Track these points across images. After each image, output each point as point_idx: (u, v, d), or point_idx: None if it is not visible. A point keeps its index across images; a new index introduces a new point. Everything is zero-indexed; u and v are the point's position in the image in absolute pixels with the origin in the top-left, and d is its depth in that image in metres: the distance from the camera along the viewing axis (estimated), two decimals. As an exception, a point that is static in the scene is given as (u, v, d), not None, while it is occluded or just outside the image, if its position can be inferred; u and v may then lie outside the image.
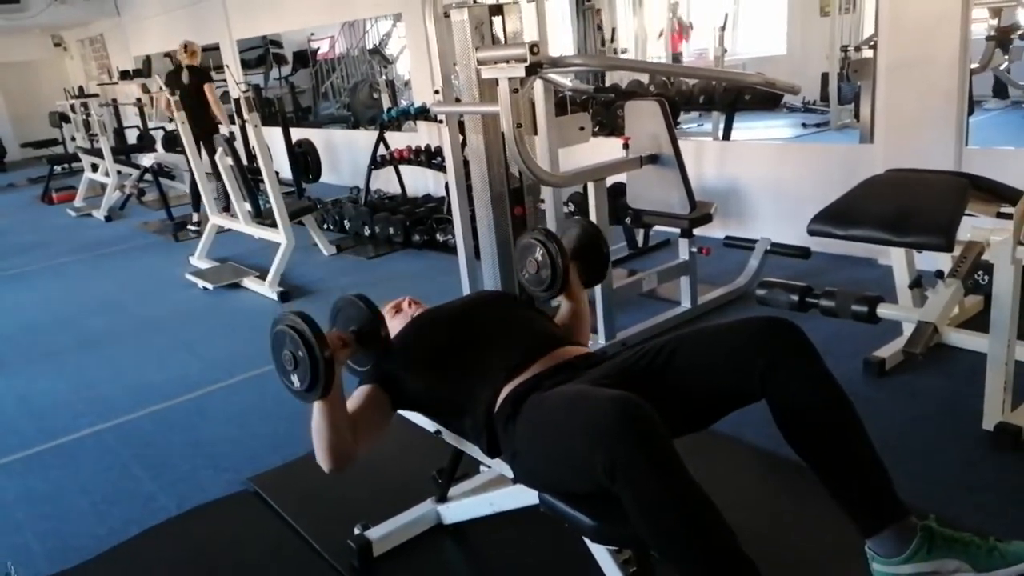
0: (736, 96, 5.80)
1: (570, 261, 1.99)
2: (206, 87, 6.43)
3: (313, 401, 1.57)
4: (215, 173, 5.56)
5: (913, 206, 2.29)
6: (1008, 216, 2.26)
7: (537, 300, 2.09)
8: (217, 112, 6.56)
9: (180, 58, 6.47)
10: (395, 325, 1.94)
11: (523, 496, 1.68)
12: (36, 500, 2.57)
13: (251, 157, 6.53)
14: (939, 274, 2.23)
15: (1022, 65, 6.26)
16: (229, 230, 5.34)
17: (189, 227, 6.59)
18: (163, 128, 8.44)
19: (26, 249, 6.69)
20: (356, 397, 1.76)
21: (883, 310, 2.22)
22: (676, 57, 7.72)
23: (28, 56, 13.68)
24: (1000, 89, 6.24)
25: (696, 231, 3.41)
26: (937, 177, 2.54)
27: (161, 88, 6.22)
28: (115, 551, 2.21)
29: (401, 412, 1.98)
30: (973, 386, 2.39)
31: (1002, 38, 5.72)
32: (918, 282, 2.60)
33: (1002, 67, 6.11)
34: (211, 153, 5.40)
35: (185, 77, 6.37)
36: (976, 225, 2.47)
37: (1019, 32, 5.86)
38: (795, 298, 2.35)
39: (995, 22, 5.69)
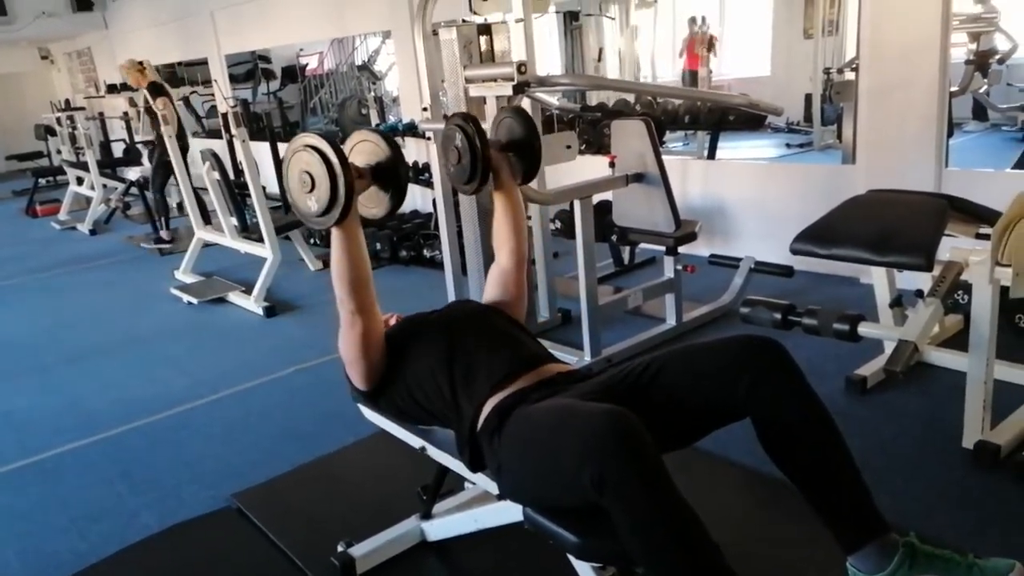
0: (721, 116, 5.88)
1: (500, 151, 1.89)
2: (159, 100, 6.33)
3: (329, 224, 1.54)
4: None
5: (894, 226, 2.33)
6: (986, 237, 2.29)
7: (465, 194, 1.93)
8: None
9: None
10: (381, 342, 1.94)
11: (508, 513, 1.68)
12: (16, 516, 2.54)
13: (238, 172, 6.53)
14: (919, 293, 2.27)
15: (1000, 88, 6.39)
16: (215, 245, 5.33)
17: (161, 245, 6.57)
18: (150, 142, 8.42)
19: (9, 262, 6.64)
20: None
21: (864, 329, 2.25)
22: (693, 75, 7.75)
23: (14, 68, 13.61)
24: (979, 112, 6.36)
25: (681, 249, 3.45)
26: (917, 198, 2.59)
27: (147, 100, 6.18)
28: (96, 568, 2.19)
29: (386, 428, 1.98)
30: (953, 404, 2.42)
31: (980, 62, 5.84)
32: (899, 301, 2.64)
33: (981, 90, 6.23)
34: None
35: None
36: (955, 245, 2.52)
37: (997, 56, 5.99)
38: (778, 316, 2.38)
39: (974, 46, 5.81)
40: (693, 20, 7.90)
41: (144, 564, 2.21)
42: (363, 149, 1.64)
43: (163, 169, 6.13)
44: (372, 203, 1.68)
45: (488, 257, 2.96)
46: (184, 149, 5.68)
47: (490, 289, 1.98)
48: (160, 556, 2.24)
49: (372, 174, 1.62)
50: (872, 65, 3.68)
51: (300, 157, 1.51)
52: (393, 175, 1.62)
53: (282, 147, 6.80)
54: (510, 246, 1.94)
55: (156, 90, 5.96)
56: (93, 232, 7.53)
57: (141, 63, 6.02)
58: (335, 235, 1.58)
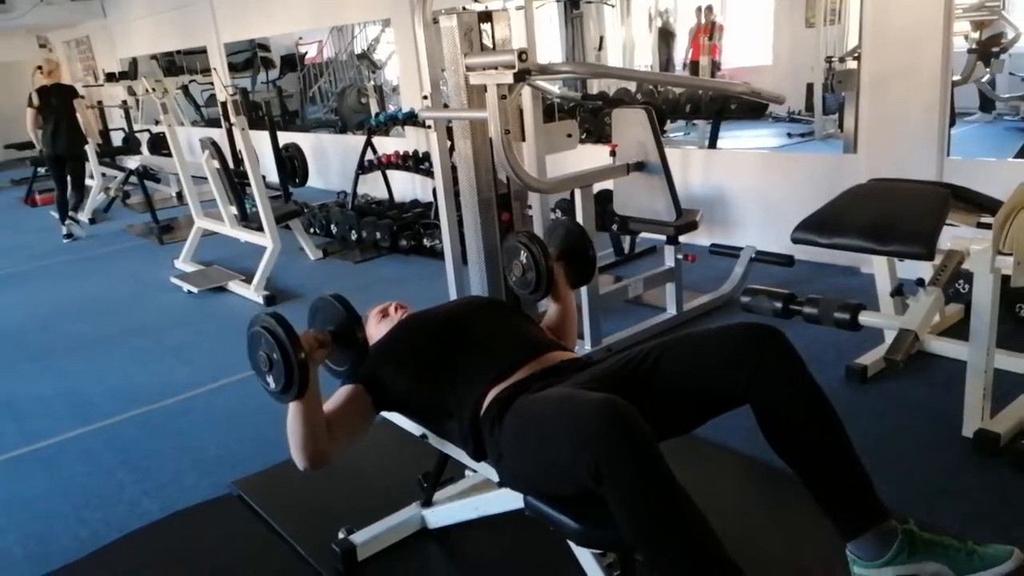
0: (722, 105, 5.85)
1: (555, 262, 2.01)
2: (76, 102, 6.73)
3: (288, 402, 1.59)
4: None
5: (895, 215, 2.33)
6: (988, 226, 2.29)
7: (524, 303, 2.10)
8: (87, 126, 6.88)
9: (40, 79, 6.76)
10: (382, 329, 1.94)
11: (508, 500, 1.68)
12: (18, 503, 2.55)
13: (237, 160, 6.52)
14: (920, 283, 2.26)
15: (1003, 78, 6.35)
16: (215, 233, 5.32)
17: (74, 230, 6.80)
18: (149, 131, 8.40)
19: (9, 251, 6.63)
20: (337, 397, 1.76)
21: (865, 318, 2.25)
22: (695, 66, 7.69)
23: (13, 57, 13.54)
24: (986, 103, 6.34)
25: (682, 238, 3.44)
26: (919, 187, 2.58)
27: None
28: (97, 555, 2.20)
29: (387, 416, 1.99)
30: (953, 393, 2.43)
31: (983, 51, 5.81)
32: (899, 290, 2.64)
33: (984, 79, 6.20)
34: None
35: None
36: (957, 235, 2.51)
37: (1001, 45, 5.95)
38: (779, 305, 2.38)
39: (977, 35, 5.79)
40: (699, 9, 7.83)
41: (145, 551, 2.21)
42: (325, 314, 1.73)
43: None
44: (337, 363, 1.77)
45: (489, 247, 2.96)
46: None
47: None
48: (161, 543, 2.25)
49: (334, 339, 1.69)
50: (874, 54, 3.66)
51: (260, 339, 1.57)
52: (351, 339, 1.69)
53: (282, 136, 6.83)
54: (567, 338, 2.05)
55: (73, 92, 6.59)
56: (92, 221, 7.52)
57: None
58: (292, 408, 1.61)
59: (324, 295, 1.74)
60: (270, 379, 1.58)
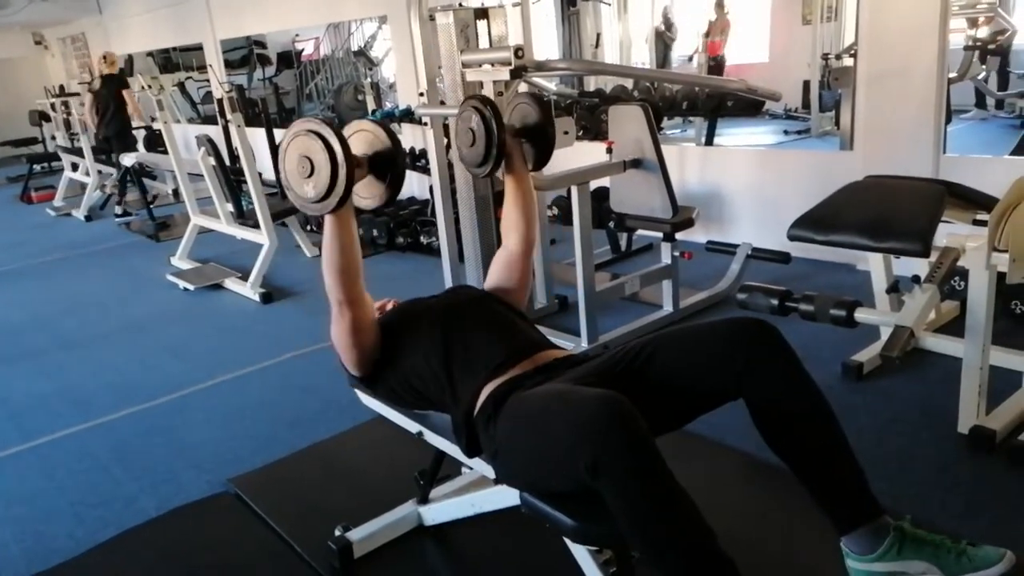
0: (719, 102, 5.86)
1: (514, 136, 1.89)
2: (124, 92, 7.24)
3: (327, 211, 1.53)
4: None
5: (891, 212, 2.33)
6: (983, 223, 2.29)
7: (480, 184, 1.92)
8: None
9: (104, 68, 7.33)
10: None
11: (505, 497, 1.69)
12: (14, 501, 2.54)
13: (234, 157, 6.51)
14: (916, 279, 2.27)
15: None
16: (211, 231, 5.31)
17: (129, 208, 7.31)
18: (145, 128, 8.38)
19: (4, 248, 6.61)
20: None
21: (861, 314, 2.25)
22: (717, 61, 7.68)
23: (8, 54, 13.51)
24: (982, 100, 6.34)
25: (678, 235, 3.44)
26: (915, 184, 2.59)
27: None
28: (93, 552, 2.20)
29: (383, 413, 1.99)
30: (948, 390, 2.43)
31: (979, 48, 5.81)
32: (895, 287, 2.64)
33: (980, 77, 6.21)
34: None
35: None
36: (952, 232, 2.52)
37: (998, 42, 5.96)
38: (775, 302, 2.38)
39: (973, 32, 5.79)
40: (719, 4, 7.82)
41: (142, 548, 2.21)
42: (361, 138, 1.63)
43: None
44: (366, 193, 1.67)
45: (485, 245, 2.96)
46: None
47: (495, 273, 1.97)
48: (158, 540, 2.25)
49: (369, 164, 1.60)
50: (871, 51, 3.67)
51: (300, 142, 1.49)
52: (392, 165, 1.60)
53: (278, 133, 6.81)
54: (520, 232, 1.93)
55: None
56: (88, 218, 7.51)
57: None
58: (330, 222, 1.56)
59: (362, 120, 1.64)
60: (308, 186, 1.49)
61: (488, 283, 1.98)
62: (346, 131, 1.65)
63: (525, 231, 1.93)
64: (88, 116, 7.41)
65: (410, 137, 6.43)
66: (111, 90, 7.21)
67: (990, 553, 1.45)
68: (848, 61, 5.55)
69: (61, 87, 9.65)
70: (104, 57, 7.40)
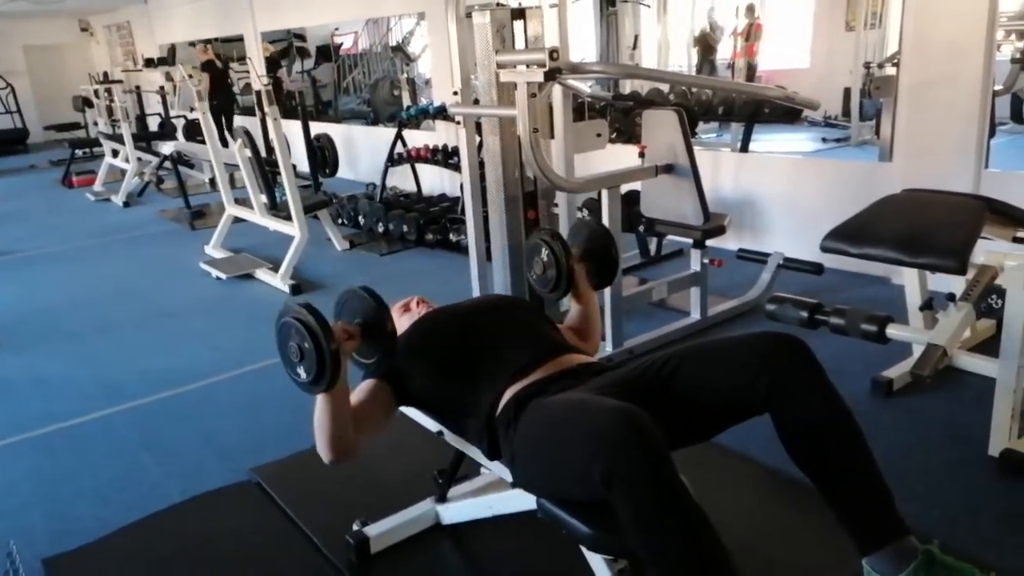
0: (756, 108, 5.79)
1: (578, 262, 2.00)
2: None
3: (318, 393, 1.58)
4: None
5: (928, 227, 2.28)
6: (1023, 241, 2.24)
7: (546, 303, 2.09)
8: None
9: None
10: (403, 324, 1.95)
11: (522, 500, 1.68)
12: (43, 480, 2.60)
13: (269, 149, 6.59)
14: (951, 297, 2.22)
15: (1046, 89, 6.19)
16: (245, 221, 5.38)
17: None
18: (184, 117, 8.52)
19: (45, 231, 6.77)
20: (360, 391, 1.77)
21: (893, 330, 2.21)
22: (751, 65, 7.61)
23: (55, 40, 13.83)
24: (1017, 114, 6.19)
25: (709, 242, 3.41)
26: (954, 199, 2.53)
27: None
28: (117, 535, 2.24)
29: (405, 411, 1.99)
30: (980, 411, 2.38)
31: (1028, 61, 5.66)
32: (929, 304, 2.59)
33: (1025, 89, 6.05)
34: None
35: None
36: (991, 249, 2.46)
37: (1046, 55, 5.80)
38: (805, 314, 2.35)
39: (1021, 44, 5.65)
40: (750, 8, 7.73)
41: (165, 533, 2.25)
42: (354, 307, 1.70)
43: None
44: (365, 356, 1.74)
45: (513, 245, 2.96)
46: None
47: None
48: (180, 526, 2.28)
49: (362, 331, 1.66)
50: (914, 61, 3.59)
51: (290, 329, 1.55)
52: (380, 332, 1.66)
53: (314, 126, 6.87)
54: (588, 340, 2.03)
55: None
56: (127, 204, 7.64)
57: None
58: (320, 398, 1.59)
59: (353, 287, 1.72)
60: (301, 370, 1.56)
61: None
62: (339, 299, 1.73)
63: (591, 346, 2.04)
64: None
65: (443, 134, 6.46)
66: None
67: None
68: (891, 70, 5.45)
69: (105, 74, 9.85)
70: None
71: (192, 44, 10.66)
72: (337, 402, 1.60)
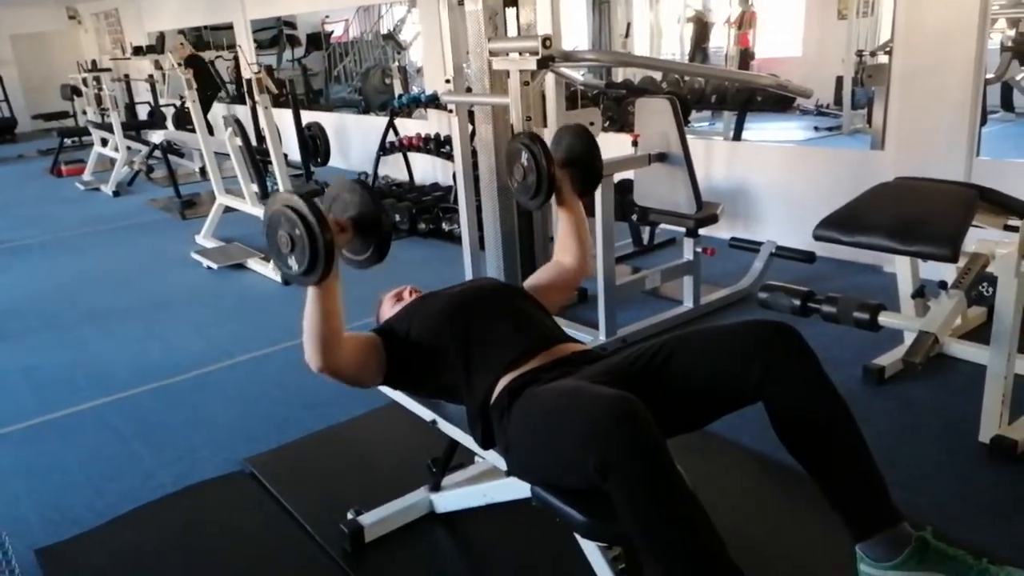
0: (748, 97, 5.79)
1: (561, 167, 1.96)
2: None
3: (311, 284, 1.53)
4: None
5: (920, 215, 2.29)
6: (1015, 229, 2.25)
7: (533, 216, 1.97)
8: None
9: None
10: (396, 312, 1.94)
11: (516, 489, 1.68)
12: (35, 472, 2.59)
13: (260, 138, 6.55)
14: (943, 284, 2.23)
15: (1034, 77, 6.20)
16: (236, 210, 5.35)
17: None
18: (174, 105, 8.46)
19: (33, 221, 6.71)
20: (357, 333, 1.74)
21: (884, 318, 2.22)
22: (745, 53, 7.59)
23: (42, 28, 13.67)
24: (1008, 102, 6.20)
25: (702, 231, 3.41)
26: (946, 187, 2.54)
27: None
28: (110, 525, 2.23)
29: (398, 400, 1.99)
30: (971, 398, 2.39)
31: (1019, 49, 5.69)
32: (921, 292, 2.60)
33: (1018, 78, 6.07)
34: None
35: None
36: (982, 237, 2.47)
37: (1037, 43, 5.82)
38: (797, 302, 2.35)
39: (1012, 32, 5.66)
40: None
41: (158, 523, 2.24)
42: (345, 200, 1.63)
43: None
44: (356, 254, 1.67)
45: (506, 233, 2.95)
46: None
47: (541, 277, 2.02)
48: (174, 516, 2.28)
49: (354, 226, 1.59)
50: (906, 49, 3.59)
51: (280, 217, 1.50)
52: (375, 228, 1.60)
53: (306, 115, 6.83)
54: (576, 255, 2.01)
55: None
56: (116, 194, 7.59)
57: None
58: (313, 292, 1.55)
59: (343, 180, 1.65)
60: (292, 260, 1.50)
61: (529, 282, 2.02)
62: (329, 192, 1.66)
63: (580, 255, 2.01)
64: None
65: (436, 123, 6.43)
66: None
67: (1013, 574, 1.42)
68: (883, 58, 5.46)
69: (93, 62, 9.73)
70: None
71: (182, 32, 10.58)
72: (328, 300, 1.55)
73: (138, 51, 10.04)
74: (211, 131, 5.94)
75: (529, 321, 1.76)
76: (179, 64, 6.18)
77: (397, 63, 8.20)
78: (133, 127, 8.51)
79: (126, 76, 10.37)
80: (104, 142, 8.38)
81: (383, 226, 1.59)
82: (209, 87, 8.82)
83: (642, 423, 1.25)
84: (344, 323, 1.61)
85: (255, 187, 5.10)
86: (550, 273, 2.03)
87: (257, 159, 5.14)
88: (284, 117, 6.69)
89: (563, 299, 2.02)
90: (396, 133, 6.17)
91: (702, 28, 8.06)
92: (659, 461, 1.25)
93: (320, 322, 1.56)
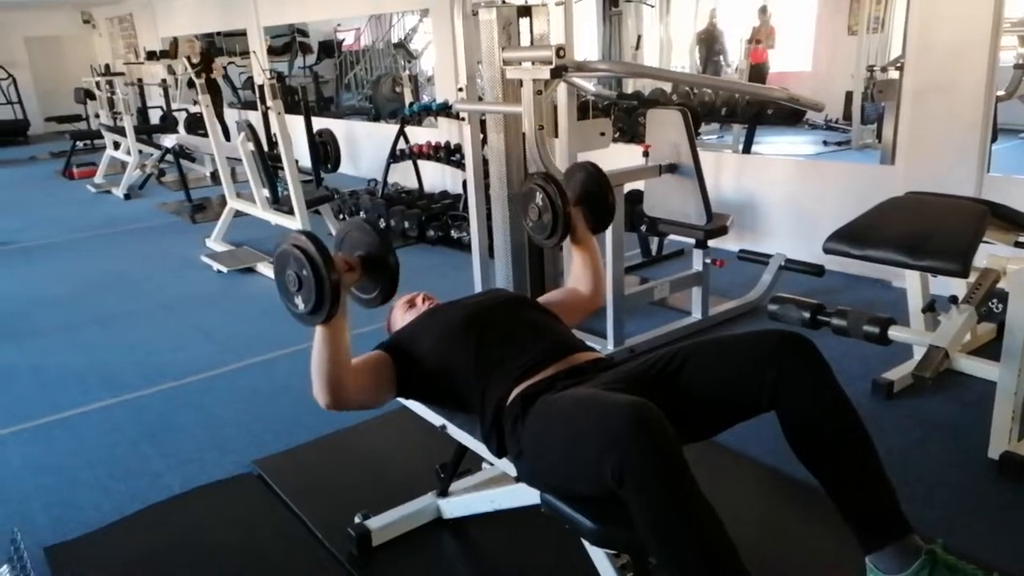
0: (759, 110, 5.79)
1: (575, 205, 1.98)
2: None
3: (317, 324, 1.54)
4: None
5: (931, 230, 2.29)
6: (1026, 245, 2.25)
7: (547, 253, 2.02)
8: None
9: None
10: (407, 319, 1.95)
11: (524, 495, 1.69)
12: (43, 470, 2.60)
13: (272, 144, 6.58)
14: (953, 299, 2.23)
15: (1048, 95, 6.19)
16: (247, 215, 5.38)
17: None
18: (186, 110, 8.51)
19: (45, 222, 6.75)
20: (365, 356, 1.75)
21: (895, 332, 2.22)
22: (760, 68, 7.59)
23: (57, 31, 13.79)
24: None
25: (711, 243, 3.42)
26: (957, 202, 2.54)
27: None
28: (117, 525, 2.24)
29: (407, 405, 2.00)
30: (981, 414, 2.39)
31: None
32: (931, 306, 2.60)
33: (1030, 96, 6.05)
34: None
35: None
36: (993, 253, 2.47)
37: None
38: (807, 315, 2.35)
39: (1023, 50, 5.66)
40: (763, 9, 7.71)
41: (165, 524, 2.25)
42: (355, 239, 1.65)
43: None
44: (365, 291, 1.68)
45: (516, 242, 2.96)
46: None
47: (556, 297, 2.06)
48: (181, 517, 2.28)
49: (363, 264, 1.61)
50: (917, 65, 3.60)
51: (288, 256, 1.51)
52: (383, 266, 1.61)
53: (316, 121, 6.87)
54: (590, 286, 2.05)
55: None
56: (127, 197, 7.63)
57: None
58: (319, 332, 1.56)
59: (353, 219, 1.66)
60: (299, 300, 1.52)
61: (545, 298, 2.05)
62: (339, 232, 1.69)
63: (595, 287, 2.05)
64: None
65: (446, 131, 6.46)
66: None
67: None
68: (893, 74, 5.45)
69: (107, 66, 9.82)
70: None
71: (196, 38, 10.66)
72: (335, 339, 1.56)
73: (152, 56, 10.11)
74: (227, 136, 5.99)
75: (543, 330, 1.77)
76: (194, 63, 6.25)
77: (408, 71, 8.23)
78: (145, 131, 8.56)
79: (139, 80, 10.45)
80: (116, 145, 8.43)
81: (390, 267, 1.60)
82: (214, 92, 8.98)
83: (659, 428, 1.26)
84: (350, 356, 1.63)
85: (266, 192, 5.12)
86: (565, 296, 2.07)
87: (268, 164, 5.17)
88: (295, 123, 6.72)
89: (575, 322, 2.03)
90: (406, 141, 6.19)
91: (712, 45, 8.06)
92: (677, 467, 1.26)
93: (327, 360, 1.58)
